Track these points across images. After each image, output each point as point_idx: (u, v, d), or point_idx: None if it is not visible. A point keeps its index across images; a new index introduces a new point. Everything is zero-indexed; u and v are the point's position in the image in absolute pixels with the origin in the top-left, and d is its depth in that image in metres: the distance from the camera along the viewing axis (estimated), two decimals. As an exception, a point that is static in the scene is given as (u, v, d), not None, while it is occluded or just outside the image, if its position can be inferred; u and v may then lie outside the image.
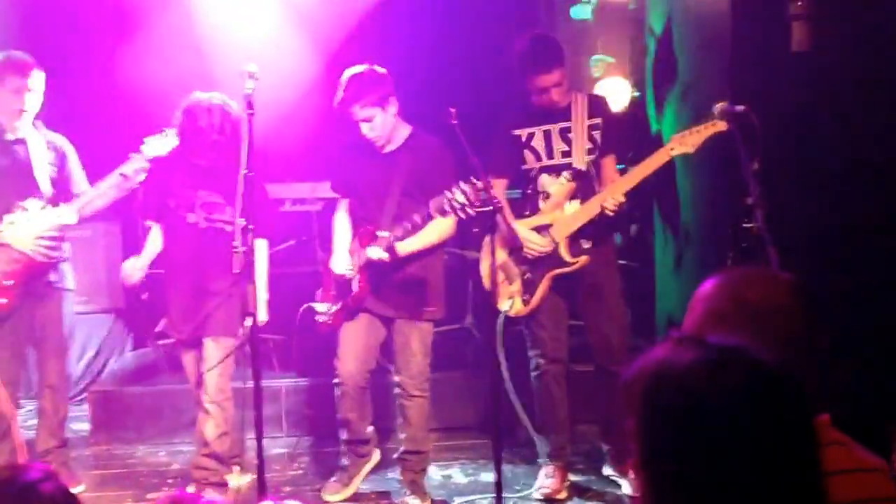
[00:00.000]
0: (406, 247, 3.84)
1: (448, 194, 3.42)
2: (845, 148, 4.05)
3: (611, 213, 3.87)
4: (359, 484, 4.20)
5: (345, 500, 4.16)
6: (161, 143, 4.05)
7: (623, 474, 4.13)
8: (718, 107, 3.55)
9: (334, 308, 4.04)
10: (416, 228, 3.73)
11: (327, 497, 4.16)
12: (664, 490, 1.20)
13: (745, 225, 3.18)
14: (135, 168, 4.04)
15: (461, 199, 3.37)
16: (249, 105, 3.31)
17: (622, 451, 4.11)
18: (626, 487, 4.08)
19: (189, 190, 4.06)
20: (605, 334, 4.09)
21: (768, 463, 1.15)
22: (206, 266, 4.03)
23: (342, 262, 4.00)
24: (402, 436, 4.10)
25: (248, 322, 3.83)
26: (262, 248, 4.02)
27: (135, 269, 4.11)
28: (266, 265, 4.07)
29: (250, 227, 3.20)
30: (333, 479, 4.24)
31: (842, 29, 4.10)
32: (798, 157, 4.07)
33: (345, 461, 4.21)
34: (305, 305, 4.13)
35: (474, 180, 3.39)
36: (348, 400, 4.06)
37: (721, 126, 3.67)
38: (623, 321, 4.16)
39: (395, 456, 4.15)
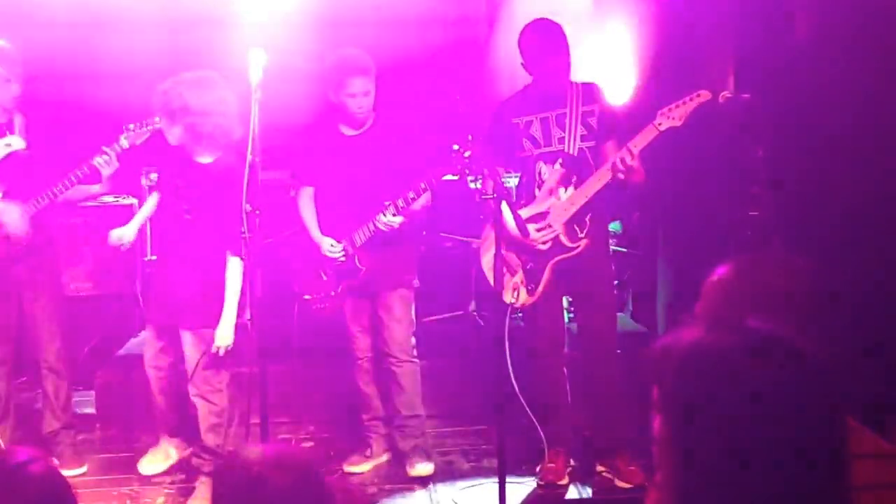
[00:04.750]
0: (417, 206, 4.00)
1: (455, 149, 3.58)
2: (850, 137, 4.05)
3: (622, 175, 3.79)
4: (380, 459, 4.32)
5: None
6: (142, 133, 3.98)
7: (614, 470, 4.11)
8: (723, 95, 3.55)
9: (334, 292, 4.14)
10: (422, 192, 3.92)
11: (349, 468, 4.26)
12: (695, 473, 1.19)
13: (749, 213, 3.20)
14: (104, 160, 3.99)
15: (467, 154, 3.55)
16: (256, 91, 3.31)
17: (612, 447, 4.11)
18: (619, 483, 4.08)
19: (174, 180, 4.02)
20: (594, 324, 4.09)
21: (804, 449, 1.14)
22: (183, 256, 4.00)
23: (334, 246, 4.12)
24: (398, 403, 4.21)
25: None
26: (234, 266, 3.87)
27: (122, 235, 4.05)
28: (238, 286, 3.87)
29: (257, 211, 3.20)
30: (356, 453, 4.35)
31: (846, 16, 4.09)
32: (803, 146, 4.07)
33: (369, 438, 4.33)
34: (298, 301, 4.25)
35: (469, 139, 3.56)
36: (364, 373, 4.25)
37: (706, 96, 3.67)
38: (612, 312, 4.16)
39: (395, 424, 4.25)
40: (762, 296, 1.63)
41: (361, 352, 4.25)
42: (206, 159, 3.97)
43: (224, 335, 3.87)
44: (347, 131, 4.14)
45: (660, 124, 3.79)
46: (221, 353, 3.86)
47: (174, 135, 3.90)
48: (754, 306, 1.62)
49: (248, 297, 3.55)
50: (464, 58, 5.97)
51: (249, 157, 3.24)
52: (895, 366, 3.80)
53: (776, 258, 2.02)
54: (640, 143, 3.82)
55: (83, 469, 4.34)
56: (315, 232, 4.20)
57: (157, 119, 4.00)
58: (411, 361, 4.20)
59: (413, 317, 4.25)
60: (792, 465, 1.14)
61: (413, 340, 4.24)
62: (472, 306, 5.67)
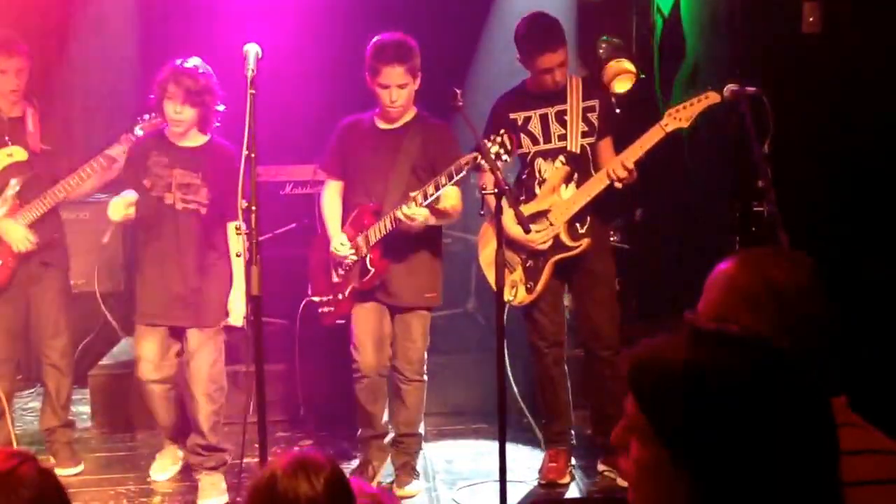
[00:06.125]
0: (445, 201, 3.73)
1: (484, 146, 3.36)
2: (857, 130, 4.01)
3: (619, 185, 3.79)
4: (381, 476, 4.11)
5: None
6: (155, 123, 3.96)
7: (616, 469, 4.06)
8: (728, 88, 3.50)
9: (341, 295, 3.96)
10: (443, 186, 3.61)
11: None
12: (673, 480, 1.15)
13: (755, 208, 3.16)
14: (122, 150, 3.97)
15: (497, 149, 3.36)
16: (251, 85, 3.25)
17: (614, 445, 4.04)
18: (621, 482, 4.04)
19: (166, 169, 3.92)
20: (595, 321, 4.04)
21: (787, 456, 1.11)
22: (184, 250, 3.93)
23: (344, 244, 3.86)
24: (398, 419, 4.07)
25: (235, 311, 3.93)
26: (234, 232, 3.84)
27: (121, 206, 3.82)
28: (242, 251, 3.76)
29: (253, 208, 3.16)
30: (357, 472, 4.07)
31: (853, 10, 4.05)
32: (809, 140, 4.02)
33: (367, 455, 4.10)
34: (306, 300, 4.04)
35: (502, 132, 3.40)
36: (368, 392, 3.99)
37: (714, 98, 3.64)
38: (614, 309, 4.10)
39: (388, 438, 4.13)
40: (765, 291, 1.60)
41: (363, 369, 3.95)
42: (196, 142, 3.97)
43: (237, 307, 3.88)
44: (382, 124, 3.91)
45: (666, 125, 3.74)
46: (238, 322, 3.89)
47: (185, 117, 3.83)
48: (756, 301, 1.59)
49: (247, 296, 3.48)
50: (464, 55, 5.92)
51: (245, 152, 3.19)
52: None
53: (780, 253, 1.98)
54: (646, 143, 3.76)
55: (79, 468, 4.29)
56: (332, 228, 3.92)
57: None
58: (420, 381, 4.01)
59: (428, 334, 4.01)
60: (784, 472, 1.11)
61: (425, 356, 4.03)
62: (472, 304, 5.62)
